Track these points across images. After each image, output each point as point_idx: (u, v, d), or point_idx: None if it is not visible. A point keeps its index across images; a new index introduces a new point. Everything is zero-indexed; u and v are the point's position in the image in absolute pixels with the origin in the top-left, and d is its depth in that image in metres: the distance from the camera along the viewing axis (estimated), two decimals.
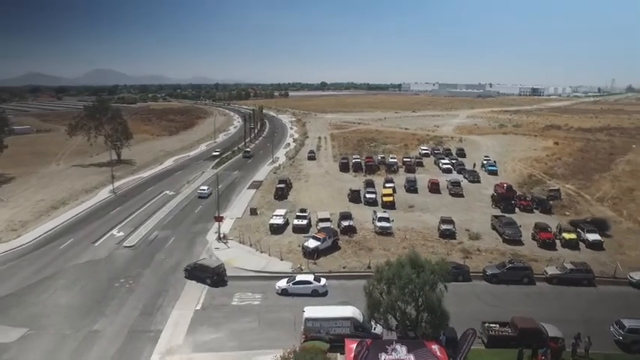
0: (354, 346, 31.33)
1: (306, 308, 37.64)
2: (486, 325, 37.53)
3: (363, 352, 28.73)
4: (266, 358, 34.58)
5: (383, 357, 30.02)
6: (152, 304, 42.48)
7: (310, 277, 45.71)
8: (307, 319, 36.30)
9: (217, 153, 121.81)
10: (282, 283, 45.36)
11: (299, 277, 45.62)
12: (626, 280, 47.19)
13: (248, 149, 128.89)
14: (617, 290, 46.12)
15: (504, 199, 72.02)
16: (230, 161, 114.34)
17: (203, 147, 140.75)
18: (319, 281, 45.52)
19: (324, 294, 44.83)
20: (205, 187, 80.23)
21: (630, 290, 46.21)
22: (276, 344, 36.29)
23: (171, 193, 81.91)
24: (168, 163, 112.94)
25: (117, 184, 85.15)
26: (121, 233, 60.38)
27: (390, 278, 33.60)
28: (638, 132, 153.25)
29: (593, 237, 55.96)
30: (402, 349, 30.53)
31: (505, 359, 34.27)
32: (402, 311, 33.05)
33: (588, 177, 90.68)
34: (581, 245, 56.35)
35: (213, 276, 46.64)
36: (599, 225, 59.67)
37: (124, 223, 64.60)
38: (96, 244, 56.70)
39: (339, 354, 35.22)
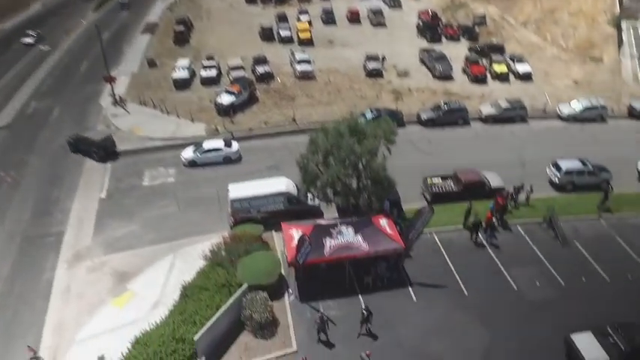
0: (293, 232, 27.71)
1: (230, 187, 32.65)
2: (429, 180, 35.27)
3: (305, 248, 25.17)
4: (193, 249, 30.47)
5: (328, 243, 26.77)
6: (46, 199, 35.49)
7: (220, 143, 40.15)
8: (233, 201, 31.65)
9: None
10: (188, 153, 39.57)
11: (207, 145, 39.88)
12: (555, 113, 46.46)
13: None
14: (548, 125, 45.41)
15: (430, 28, 66.59)
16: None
17: None
18: (230, 146, 40.18)
19: (238, 160, 40.13)
20: None
21: (559, 124, 45.68)
22: (203, 230, 32.19)
23: (47, 48, 67.40)
24: (36, 6, 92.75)
25: None
26: None
27: (327, 150, 28.97)
28: None
29: (523, 68, 53.69)
30: (348, 231, 27.34)
31: (452, 216, 32.72)
32: (344, 184, 29.16)
33: None
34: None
35: (99, 150, 39.86)
36: (497, 50, 57.90)
37: None
38: None
39: (274, 231, 31.96)
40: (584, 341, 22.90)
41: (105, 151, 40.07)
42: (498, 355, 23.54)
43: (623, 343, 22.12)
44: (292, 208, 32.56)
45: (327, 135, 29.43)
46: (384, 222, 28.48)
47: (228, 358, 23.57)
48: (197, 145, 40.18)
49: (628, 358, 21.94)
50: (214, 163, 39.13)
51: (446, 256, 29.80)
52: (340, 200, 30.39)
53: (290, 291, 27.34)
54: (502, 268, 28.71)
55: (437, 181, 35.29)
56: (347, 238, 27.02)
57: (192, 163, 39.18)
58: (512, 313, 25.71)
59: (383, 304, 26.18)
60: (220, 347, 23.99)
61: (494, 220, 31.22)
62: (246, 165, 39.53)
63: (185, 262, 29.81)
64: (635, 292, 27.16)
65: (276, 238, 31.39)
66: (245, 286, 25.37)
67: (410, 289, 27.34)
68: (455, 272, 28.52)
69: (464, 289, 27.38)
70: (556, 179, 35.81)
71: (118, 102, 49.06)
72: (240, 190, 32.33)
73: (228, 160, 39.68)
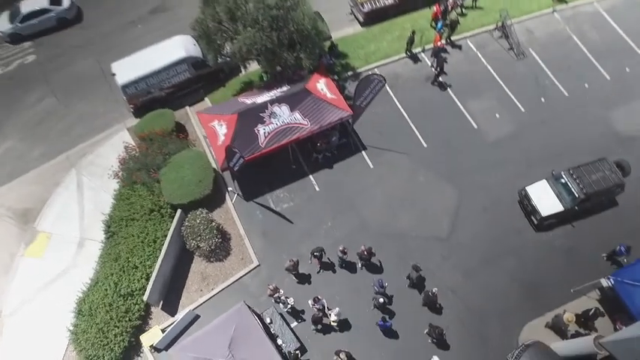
0: (215, 125, 22.30)
1: (114, 67, 25.03)
2: None
3: (237, 158, 20.28)
4: (97, 157, 24.98)
5: (262, 131, 21.89)
6: None
7: (43, 1, 29.58)
8: (125, 86, 24.67)
9: None
10: (4, 25, 29.27)
11: (25, 7, 29.23)
12: None
13: None
14: None
15: None
16: None
17: None
18: (60, 3, 29.94)
19: (77, 18, 30.60)
20: None
21: None
22: (100, 125, 26.25)
23: None
24: None
25: None
26: None
27: (229, 7, 21.39)
28: None
29: None
30: (282, 111, 22.25)
31: (392, 41, 27.66)
32: (263, 46, 22.36)
33: None
34: None
35: None
36: None
37: None
38: None
39: (188, 107, 26.50)
40: (539, 191, 21.62)
41: None
42: (468, 216, 22.25)
43: (577, 190, 20.93)
44: (202, 73, 26.26)
45: None
46: (321, 85, 23.29)
47: (188, 294, 21.10)
48: (13, 10, 29.55)
49: (581, 204, 21.08)
50: (48, 31, 29.70)
51: (394, 98, 25.91)
52: (262, 65, 24.09)
53: (230, 189, 23.60)
54: (458, 103, 25.45)
55: None
56: (283, 120, 22.19)
57: (15, 38, 29.48)
58: (477, 162, 23.58)
59: (338, 182, 23.35)
60: (175, 285, 21.28)
61: (443, 41, 26.48)
62: (121, 14, 30.55)
63: (93, 175, 24.59)
64: (593, 104, 25.28)
65: (192, 117, 26.05)
66: (178, 212, 21.29)
67: (364, 153, 24.18)
68: (408, 119, 25.17)
69: (421, 139, 24.48)
70: None
71: None
72: (129, 68, 25.02)
73: (64, 23, 30.05)
